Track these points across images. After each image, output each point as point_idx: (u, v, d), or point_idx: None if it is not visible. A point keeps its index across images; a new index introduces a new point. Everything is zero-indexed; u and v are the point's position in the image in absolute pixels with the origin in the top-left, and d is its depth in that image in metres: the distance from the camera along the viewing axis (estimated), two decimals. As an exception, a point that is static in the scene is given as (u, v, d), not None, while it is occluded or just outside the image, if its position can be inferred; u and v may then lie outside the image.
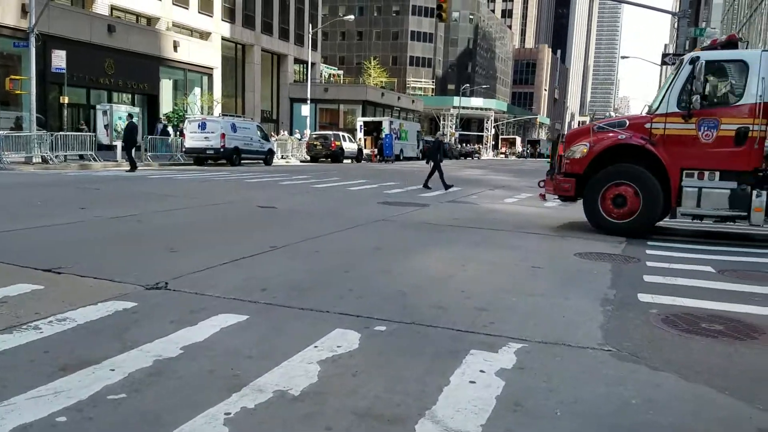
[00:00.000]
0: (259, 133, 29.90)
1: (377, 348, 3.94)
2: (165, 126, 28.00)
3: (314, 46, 57.76)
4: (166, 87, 39.58)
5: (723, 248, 8.71)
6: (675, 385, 3.55)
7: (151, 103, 37.09)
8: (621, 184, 9.33)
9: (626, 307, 5.18)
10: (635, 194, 9.24)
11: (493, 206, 13.80)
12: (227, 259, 6.33)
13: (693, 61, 8.97)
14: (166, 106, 38.52)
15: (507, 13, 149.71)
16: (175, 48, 37.67)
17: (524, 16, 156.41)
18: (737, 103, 8.87)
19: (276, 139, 34.54)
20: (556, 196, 10.39)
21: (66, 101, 25.84)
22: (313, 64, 55.39)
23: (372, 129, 46.41)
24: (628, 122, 9.80)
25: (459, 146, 69.28)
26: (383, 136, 43.66)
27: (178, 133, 28.53)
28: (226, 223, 9.15)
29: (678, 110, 9.03)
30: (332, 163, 36.81)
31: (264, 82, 53.78)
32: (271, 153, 30.95)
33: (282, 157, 36.20)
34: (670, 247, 8.56)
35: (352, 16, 55.33)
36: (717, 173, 8.95)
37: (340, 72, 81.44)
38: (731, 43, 9.48)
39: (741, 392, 3.47)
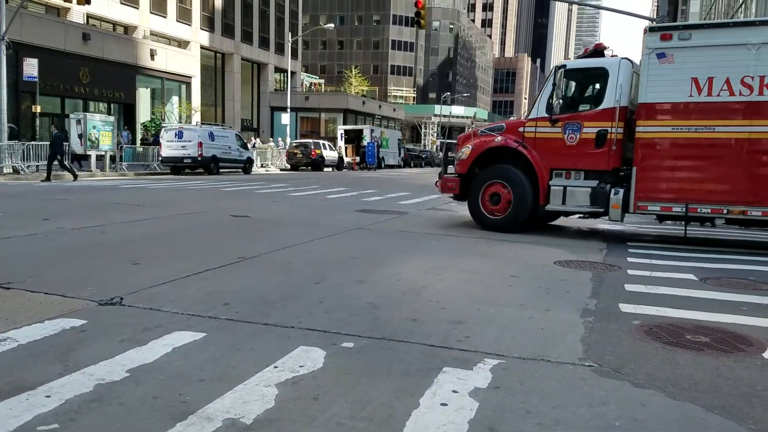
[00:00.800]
0: (237, 141, 29.52)
1: (343, 367, 3.66)
2: (129, 134, 27.50)
3: (295, 55, 57.50)
4: (143, 96, 39.00)
5: (703, 255, 8.55)
6: (661, 403, 3.31)
7: (127, 112, 36.51)
8: (495, 183, 10.14)
9: (608, 318, 4.95)
10: (508, 193, 10.02)
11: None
12: (191, 272, 6.01)
13: (558, 69, 9.70)
14: (143, 114, 37.96)
15: (487, 23, 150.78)
16: (152, 56, 37.17)
17: (504, 26, 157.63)
18: (598, 108, 9.50)
19: (255, 147, 34.10)
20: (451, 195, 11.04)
21: (38, 110, 25.25)
22: (293, 72, 55.13)
23: (353, 137, 46.23)
24: (505, 126, 10.59)
25: (440, 154, 69.21)
26: (365, 144, 43.47)
27: (144, 139, 28.12)
28: (195, 234, 8.80)
29: (546, 115, 9.74)
30: (313, 171, 36.48)
31: (244, 91, 53.36)
32: (250, 161, 30.56)
33: (261, 166, 35.80)
34: (651, 254, 8.38)
35: (332, 25, 55.11)
36: (582, 173, 9.66)
37: (322, 81, 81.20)
38: (597, 52, 10.05)
39: (730, 411, 3.24)
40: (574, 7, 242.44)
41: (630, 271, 6.99)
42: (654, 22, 19.89)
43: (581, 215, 10.10)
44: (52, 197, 13.08)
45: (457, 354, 3.96)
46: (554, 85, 9.61)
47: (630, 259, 7.87)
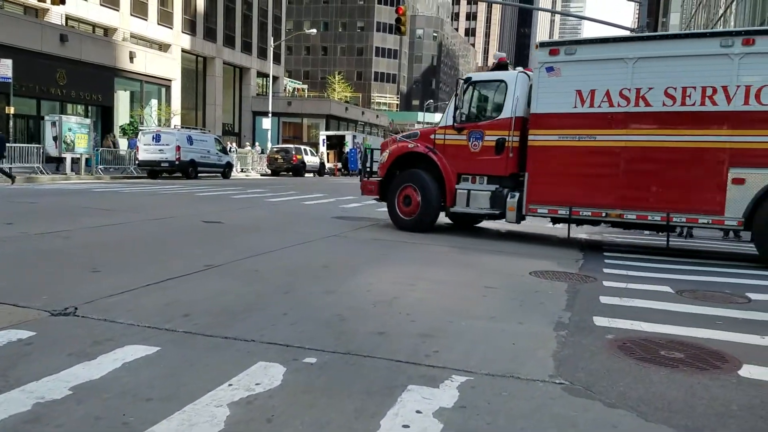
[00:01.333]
0: (217, 146, 29.20)
1: (302, 385, 3.47)
2: (112, 139, 27.04)
3: (277, 60, 57.22)
4: (122, 98, 38.48)
5: (681, 266, 8.48)
6: (632, 425, 3.16)
7: (105, 115, 35.97)
8: (408, 186, 10.94)
9: (582, 332, 4.81)
10: (417, 195, 10.80)
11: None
12: (153, 281, 5.78)
13: (464, 82, 10.61)
14: (122, 117, 37.43)
15: (470, 32, 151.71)
16: (131, 59, 36.69)
17: (487, 35, 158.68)
18: (497, 118, 10.25)
19: (233, 152, 33.72)
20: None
21: (12, 111, 24.71)
22: (276, 77, 54.82)
23: (335, 143, 46.01)
24: (419, 134, 11.44)
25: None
26: (347, 150, 43.27)
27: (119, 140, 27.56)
28: (163, 240, 8.55)
29: (453, 123, 10.51)
30: (294, 176, 36.18)
31: (226, 95, 52.93)
32: (229, 166, 30.23)
33: (242, 171, 35.46)
34: (627, 265, 8.29)
35: (314, 30, 55.00)
36: (485, 178, 10.43)
37: (305, 86, 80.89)
38: (501, 65, 10.86)
39: (705, 433, 3.10)
40: (557, 18, 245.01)
41: (606, 283, 6.88)
42: (634, 32, 19.99)
43: (484, 217, 11.25)
44: (21, 200, 12.72)
45: (424, 370, 3.79)
46: (456, 95, 10.54)
47: (606, 270, 7.77)
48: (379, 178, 11.53)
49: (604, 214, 9.39)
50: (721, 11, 35.83)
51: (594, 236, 12.04)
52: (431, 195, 10.66)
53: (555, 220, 10.19)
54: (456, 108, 10.46)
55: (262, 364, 3.74)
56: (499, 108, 10.25)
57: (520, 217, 10.05)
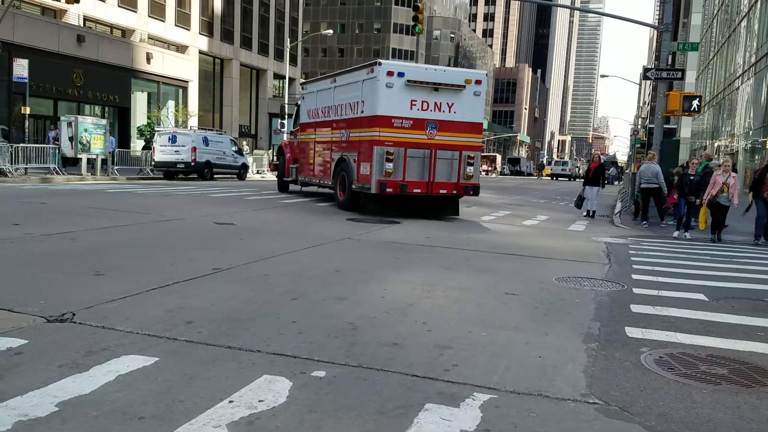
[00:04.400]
0: (232, 147, 29.03)
1: (309, 402, 3.16)
2: (57, 135, 26.28)
3: (294, 62, 57.14)
4: (140, 99, 38.54)
5: (711, 272, 8.06)
6: (678, 454, 2.82)
7: (122, 116, 36.05)
8: (277, 164, 20.91)
9: (613, 344, 4.46)
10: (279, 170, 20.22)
11: (469, 224, 13.09)
12: (158, 285, 5.51)
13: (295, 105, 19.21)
14: (139, 118, 37.49)
15: (488, 33, 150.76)
16: (149, 60, 36.73)
17: (505, 36, 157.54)
18: (295, 127, 18.76)
19: (246, 152, 33.52)
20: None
21: (28, 111, 24.76)
22: (292, 79, 54.70)
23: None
24: (286, 138, 20.98)
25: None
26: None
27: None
28: (172, 242, 8.29)
29: (292, 129, 18.70)
30: (309, 178, 35.91)
31: (242, 97, 52.90)
32: (245, 167, 30.04)
33: (257, 172, 35.29)
34: (656, 270, 7.89)
35: (330, 31, 54.61)
36: (294, 160, 18.53)
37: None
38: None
39: (761, 465, 2.74)
40: (576, 19, 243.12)
41: (635, 290, 6.49)
42: (658, 30, 19.47)
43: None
44: (32, 201, 12.57)
45: (443, 387, 3.46)
46: (290, 114, 17.23)
47: (635, 276, 7.37)
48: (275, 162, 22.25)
49: (318, 182, 16.21)
50: (744, 11, 35.05)
51: (617, 239, 11.62)
52: (282, 170, 19.25)
53: (302, 183, 17.69)
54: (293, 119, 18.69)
55: (266, 377, 3.44)
56: (296, 122, 18.39)
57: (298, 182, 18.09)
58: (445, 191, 13.24)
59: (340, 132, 14.54)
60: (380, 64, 12.96)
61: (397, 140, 12.70)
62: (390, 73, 12.70)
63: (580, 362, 4.02)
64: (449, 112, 13.05)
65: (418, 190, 12.97)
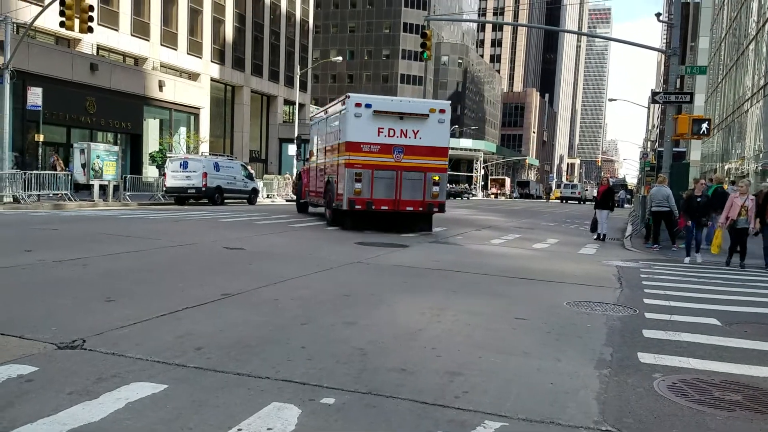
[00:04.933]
0: (243, 172, 29.27)
1: (318, 430, 3.14)
2: (53, 164, 26.20)
3: (304, 88, 57.75)
4: (152, 126, 39.03)
5: (724, 296, 7.98)
6: (694, 483, 2.77)
7: (134, 142, 36.47)
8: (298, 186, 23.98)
9: (626, 370, 4.41)
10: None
11: (478, 248, 13.06)
12: (167, 310, 5.52)
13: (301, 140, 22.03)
14: (152, 145, 37.92)
15: (495, 58, 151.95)
16: (161, 87, 37.25)
17: (512, 61, 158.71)
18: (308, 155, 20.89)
19: (252, 173, 33.73)
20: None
21: (41, 139, 25.11)
22: (302, 105, 55.23)
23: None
24: (303, 165, 21.72)
25: (448, 186, 68.79)
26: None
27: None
28: (182, 268, 8.33)
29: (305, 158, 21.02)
30: (318, 203, 36.03)
31: (253, 122, 53.47)
32: (255, 192, 30.25)
33: (267, 197, 35.49)
34: (668, 295, 7.82)
35: (340, 58, 55.14)
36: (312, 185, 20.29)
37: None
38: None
39: (779, 494, 2.69)
40: (583, 44, 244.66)
41: (647, 314, 6.43)
42: (666, 54, 19.53)
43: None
44: (44, 227, 12.68)
45: (453, 414, 3.43)
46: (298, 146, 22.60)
47: (647, 301, 7.31)
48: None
49: (317, 202, 18.04)
50: (752, 34, 35.16)
51: (629, 263, 11.54)
52: (299, 193, 21.73)
53: (311, 205, 19.66)
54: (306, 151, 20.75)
55: (275, 404, 3.43)
56: (309, 150, 20.16)
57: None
58: (411, 208, 14.74)
59: (329, 158, 16.39)
60: (349, 97, 14.59)
61: (365, 163, 14.35)
62: (358, 105, 14.45)
63: (592, 388, 3.98)
64: (415, 138, 14.55)
65: (386, 207, 14.60)
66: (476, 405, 3.58)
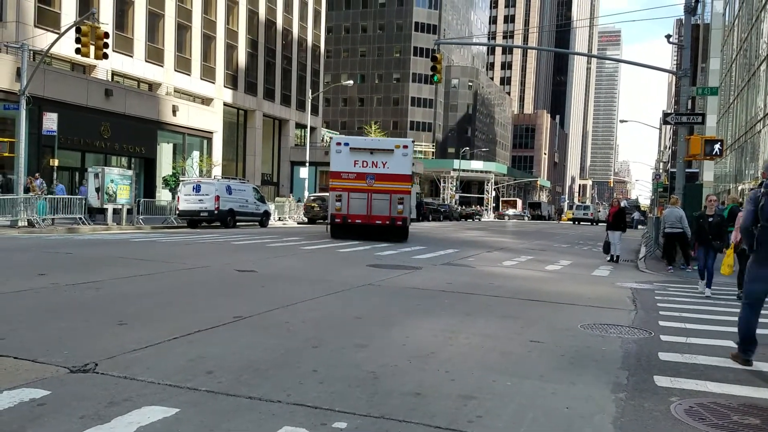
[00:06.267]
0: (255, 194, 29.44)
1: (330, 455, 3.10)
2: (51, 189, 25.40)
3: (315, 111, 58.23)
4: (165, 150, 39.48)
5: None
6: None
7: (148, 166, 36.86)
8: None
9: (642, 394, 4.33)
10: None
11: (491, 269, 12.99)
12: (179, 333, 5.52)
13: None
14: (165, 168, 38.31)
15: (506, 81, 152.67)
16: (174, 112, 37.73)
17: (522, 83, 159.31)
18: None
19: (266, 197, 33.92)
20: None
21: (56, 164, 25.44)
22: (313, 128, 55.67)
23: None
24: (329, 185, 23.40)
25: (459, 208, 68.71)
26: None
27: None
28: (194, 291, 8.35)
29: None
30: (330, 225, 36.09)
31: (265, 146, 53.92)
32: (267, 214, 30.37)
33: (279, 219, 35.61)
34: (683, 317, 7.72)
35: (350, 82, 55.79)
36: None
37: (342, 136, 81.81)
38: None
39: None
40: (593, 65, 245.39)
41: (663, 337, 6.35)
42: (677, 76, 19.55)
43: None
44: (58, 251, 12.79)
45: (467, 439, 3.38)
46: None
47: (662, 323, 7.22)
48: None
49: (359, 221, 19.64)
50: (763, 55, 35.12)
51: (643, 284, 11.42)
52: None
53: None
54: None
55: (287, 429, 3.40)
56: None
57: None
58: (380, 222, 19.37)
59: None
60: (331, 138, 19.69)
61: (344, 187, 19.27)
62: (339, 144, 19.64)
63: (608, 413, 3.91)
64: (383, 167, 19.17)
65: (359, 221, 19.36)
66: (491, 430, 3.53)
